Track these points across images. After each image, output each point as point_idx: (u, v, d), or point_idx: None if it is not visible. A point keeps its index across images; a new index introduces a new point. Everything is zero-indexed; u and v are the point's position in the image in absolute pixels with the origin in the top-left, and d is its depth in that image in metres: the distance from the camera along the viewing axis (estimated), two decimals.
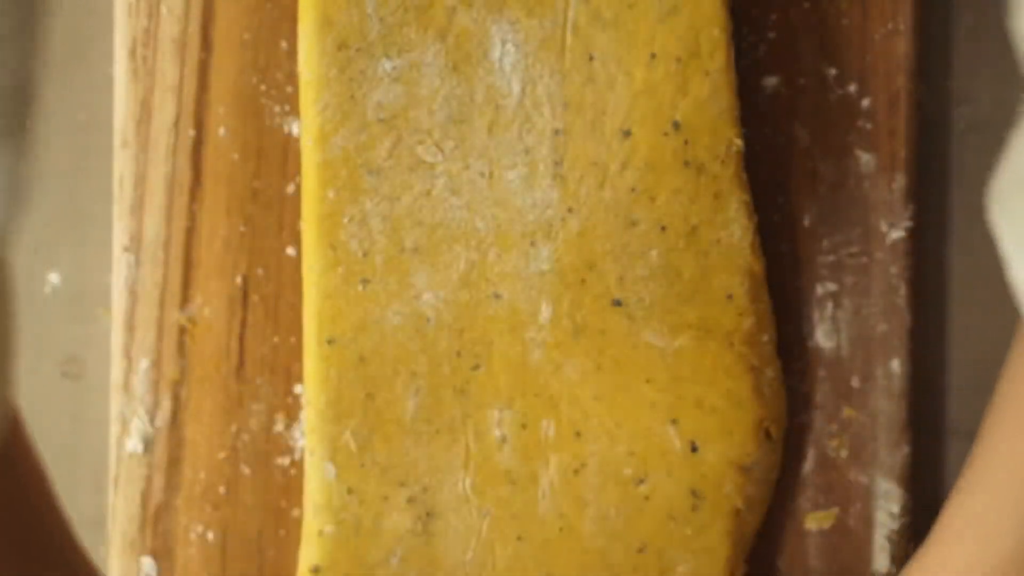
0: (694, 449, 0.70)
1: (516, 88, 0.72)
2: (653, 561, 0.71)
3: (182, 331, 0.72)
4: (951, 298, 0.75)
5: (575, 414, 0.71)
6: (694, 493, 0.70)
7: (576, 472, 0.71)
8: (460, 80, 0.72)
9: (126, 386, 0.72)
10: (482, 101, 0.72)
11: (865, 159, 0.73)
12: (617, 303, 0.71)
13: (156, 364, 0.72)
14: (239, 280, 0.73)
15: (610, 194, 0.72)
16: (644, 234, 0.71)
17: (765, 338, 0.71)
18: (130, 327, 0.72)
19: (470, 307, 0.71)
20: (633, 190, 0.71)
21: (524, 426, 0.71)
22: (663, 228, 0.71)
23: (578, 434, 0.71)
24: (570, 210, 0.72)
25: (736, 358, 0.71)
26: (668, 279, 0.71)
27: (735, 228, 0.71)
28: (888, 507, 0.72)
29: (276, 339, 0.72)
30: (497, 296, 0.71)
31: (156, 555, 0.72)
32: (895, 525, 0.72)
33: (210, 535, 0.72)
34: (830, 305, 0.73)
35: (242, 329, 0.72)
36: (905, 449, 0.72)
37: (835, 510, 0.72)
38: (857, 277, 0.73)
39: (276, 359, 0.72)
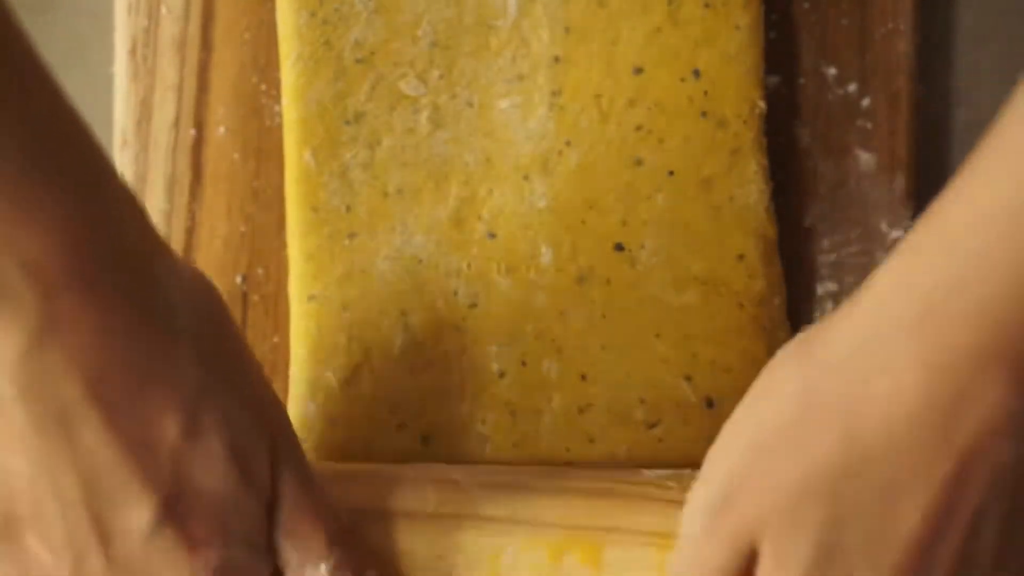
0: (710, 404, 0.68)
1: (512, 8, 0.68)
2: None
3: None
4: None
5: (580, 359, 0.68)
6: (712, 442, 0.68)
7: (581, 411, 0.68)
8: (448, 1, 0.68)
9: None
10: (472, 23, 0.68)
11: (865, 159, 0.73)
12: (619, 247, 0.68)
13: None
14: (239, 280, 0.73)
15: (614, 129, 0.68)
16: (650, 176, 0.68)
17: (777, 301, 0.70)
18: None
19: (464, 247, 0.68)
20: (639, 128, 0.68)
21: (524, 364, 0.68)
22: (671, 173, 0.69)
23: (583, 377, 0.68)
24: (568, 143, 0.68)
25: (749, 319, 0.69)
26: (674, 228, 0.69)
27: (752, 189, 0.69)
28: None
29: (276, 339, 0.72)
30: (492, 235, 0.68)
31: None
32: None
33: None
34: (830, 305, 0.73)
35: (242, 329, 0.72)
36: None
37: None
38: (857, 277, 0.73)
39: (276, 359, 0.72)
